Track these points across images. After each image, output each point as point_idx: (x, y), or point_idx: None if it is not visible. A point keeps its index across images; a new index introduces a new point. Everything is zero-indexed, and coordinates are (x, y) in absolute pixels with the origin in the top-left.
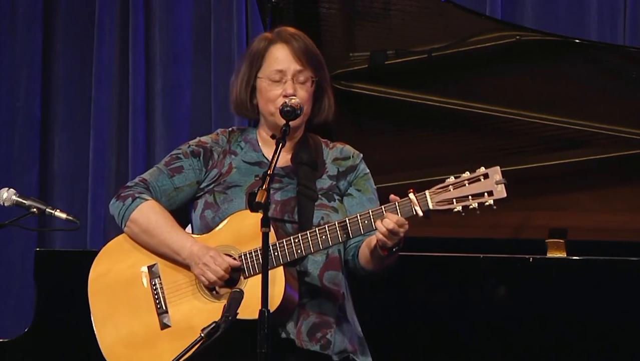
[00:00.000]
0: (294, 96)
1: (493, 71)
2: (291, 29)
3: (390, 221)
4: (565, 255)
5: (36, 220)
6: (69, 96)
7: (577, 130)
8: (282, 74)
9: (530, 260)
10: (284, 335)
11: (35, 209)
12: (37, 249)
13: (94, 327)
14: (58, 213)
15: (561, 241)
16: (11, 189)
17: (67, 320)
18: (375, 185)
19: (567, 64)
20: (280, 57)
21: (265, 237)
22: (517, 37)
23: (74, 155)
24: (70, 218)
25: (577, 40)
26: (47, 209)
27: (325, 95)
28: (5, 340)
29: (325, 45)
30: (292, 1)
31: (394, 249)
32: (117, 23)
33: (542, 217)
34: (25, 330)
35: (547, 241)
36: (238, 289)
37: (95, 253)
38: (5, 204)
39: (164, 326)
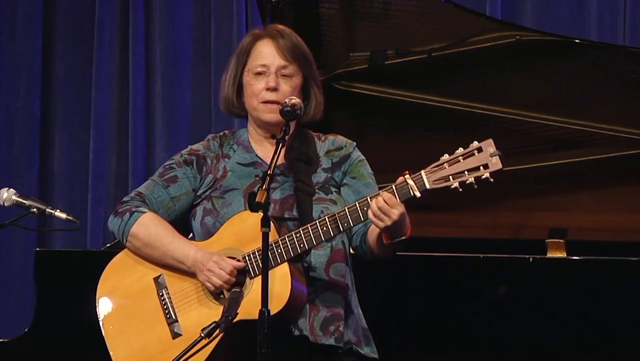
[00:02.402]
0: (276, 89)
1: (493, 71)
2: (280, 26)
3: (380, 199)
4: (565, 255)
5: (36, 220)
6: (69, 96)
7: (577, 130)
8: (265, 68)
9: (530, 260)
10: (297, 333)
11: (35, 209)
12: (37, 249)
13: (107, 344)
14: (58, 213)
15: (561, 241)
16: (11, 189)
17: (67, 320)
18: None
19: (567, 64)
20: (265, 52)
21: (265, 237)
22: (517, 37)
23: (74, 155)
24: (70, 218)
25: (577, 40)
26: (47, 209)
27: (312, 92)
28: (5, 340)
29: (325, 45)
30: (292, 1)
31: (396, 239)
32: (117, 23)
33: (542, 217)
34: (25, 330)
35: (547, 241)
36: (237, 290)
37: (96, 253)
38: (5, 204)
39: (176, 335)
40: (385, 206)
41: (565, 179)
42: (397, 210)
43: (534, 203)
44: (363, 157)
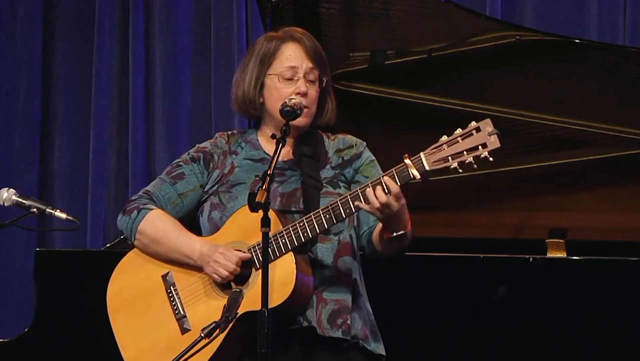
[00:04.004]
0: (306, 94)
1: (493, 71)
2: (300, 29)
3: (381, 193)
4: (565, 255)
5: (36, 220)
6: (69, 96)
7: (577, 130)
8: (294, 71)
9: (530, 260)
10: (305, 324)
11: (35, 209)
12: (37, 249)
13: (117, 343)
14: (58, 213)
15: (561, 241)
16: (11, 189)
17: (67, 320)
18: None
19: (567, 64)
20: (293, 55)
21: (265, 237)
22: (517, 37)
23: (74, 155)
24: (70, 218)
25: (577, 40)
26: (47, 209)
27: (328, 97)
28: (5, 340)
29: (325, 45)
30: (292, 1)
31: (395, 234)
32: (117, 23)
33: (542, 217)
34: (25, 330)
35: (547, 241)
36: (238, 290)
37: (96, 253)
38: (5, 204)
39: (185, 330)
40: (385, 198)
41: (565, 179)
42: (395, 199)
43: (534, 203)
44: (374, 157)
